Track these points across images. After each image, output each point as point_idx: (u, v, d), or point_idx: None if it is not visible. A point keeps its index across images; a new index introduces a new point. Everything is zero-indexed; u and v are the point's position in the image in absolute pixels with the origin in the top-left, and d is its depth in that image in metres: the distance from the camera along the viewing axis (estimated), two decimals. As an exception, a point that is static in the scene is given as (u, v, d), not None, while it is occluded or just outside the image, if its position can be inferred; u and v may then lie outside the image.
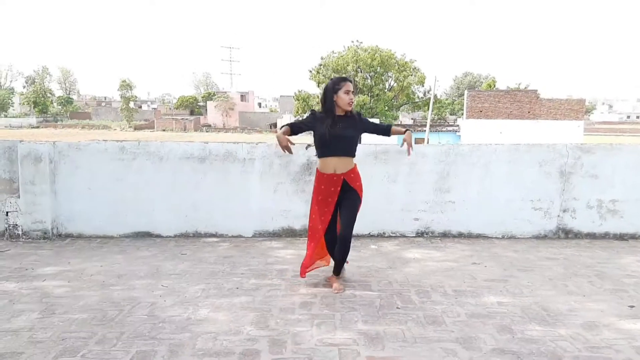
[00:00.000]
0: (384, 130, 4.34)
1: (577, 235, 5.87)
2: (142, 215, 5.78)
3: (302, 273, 4.23)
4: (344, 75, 3.98)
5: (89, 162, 5.72)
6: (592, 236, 5.87)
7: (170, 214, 5.79)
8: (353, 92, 4.07)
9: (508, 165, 5.76)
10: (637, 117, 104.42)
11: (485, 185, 5.79)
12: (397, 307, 3.80)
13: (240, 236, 5.84)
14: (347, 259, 4.38)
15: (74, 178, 5.72)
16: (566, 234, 5.86)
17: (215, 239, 5.76)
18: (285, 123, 4.27)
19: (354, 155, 4.13)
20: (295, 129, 4.17)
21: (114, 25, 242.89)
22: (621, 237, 5.86)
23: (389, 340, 3.24)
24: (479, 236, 5.87)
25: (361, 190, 4.17)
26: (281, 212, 5.80)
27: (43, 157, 5.59)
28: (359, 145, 4.30)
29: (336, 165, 4.04)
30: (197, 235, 5.83)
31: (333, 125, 4.00)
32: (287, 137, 4.12)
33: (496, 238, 5.85)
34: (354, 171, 4.13)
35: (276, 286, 4.24)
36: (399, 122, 51.72)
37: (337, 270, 4.25)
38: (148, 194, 5.75)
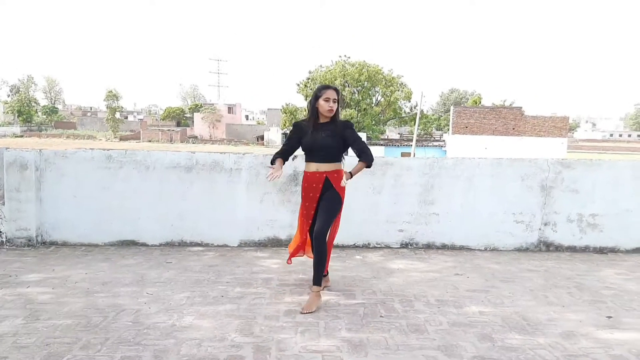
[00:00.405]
0: (358, 155, 4.08)
1: (558, 248, 5.98)
2: (128, 223, 5.78)
3: (290, 258, 4.52)
4: (328, 84, 3.98)
5: (75, 170, 5.72)
6: (572, 249, 5.98)
7: (156, 222, 5.80)
8: (335, 99, 4.06)
9: (491, 179, 5.87)
10: (620, 136, 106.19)
11: (468, 198, 5.89)
12: (381, 316, 3.85)
13: (226, 245, 5.87)
14: (328, 270, 4.43)
15: (59, 186, 5.72)
16: (547, 246, 5.97)
17: (200, 248, 5.78)
18: (275, 153, 4.25)
19: (339, 161, 4.18)
20: (286, 155, 4.25)
21: (100, 35, 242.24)
22: (601, 251, 5.98)
23: (372, 347, 3.29)
24: (462, 248, 5.95)
25: (343, 193, 4.16)
26: (267, 221, 5.84)
27: (29, 164, 5.59)
28: (345, 157, 4.34)
29: (319, 166, 4.11)
30: (183, 244, 5.84)
31: (315, 134, 4.07)
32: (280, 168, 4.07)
33: (479, 250, 5.94)
34: (338, 172, 4.14)
35: (261, 294, 4.27)
36: (386, 137, 52.04)
37: (315, 278, 4.06)
38: (134, 202, 5.76)
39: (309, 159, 4.17)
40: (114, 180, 5.74)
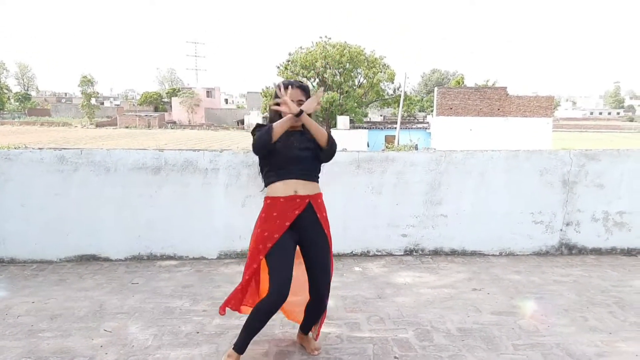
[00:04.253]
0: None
1: (582, 251, 5.28)
2: (87, 235, 4.94)
3: (222, 309, 3.19)
4: (289, 79, 2.72)
5: (21, 174, 4.84)
6: (597, 252, 5.29)
7: (120, 233, 4.96)
8: (301, 101, 2.93)
9: (506, 175, 5.14)
10: (600, 114, 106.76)
11: (480, 197, 5.15)
12: (395, 357, 3.10)
13: (203, 258, 5.06)
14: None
15: (3, 193, 4.84)
16: (570, 249, 5.27)
17: (173, 262, 4.96)
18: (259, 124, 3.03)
19: (317, 181, 3.06)
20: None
21: (74, 18, 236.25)
22: (629, 253, 5.30)
23: (391, 411, 2.54)
24: (474, 253, 5.23)
25: (329, 228, 3.06)
26: (251, 229, 5.01)
27: (-35, 168, 4.70)
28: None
29: (298, 187, 2.95)
30: (152, 258, 5.02)
31: (287, 143, 2.93)
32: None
33: (493, 255, 5.22)
34: (321, 197, 3.07)
35: (245, 329, 3.48)
36: (369, 119, 51.27)
37: (308, 328, 3.23)
38: (93, 211, 4.91)
39: (281, 174, 2.95)
40: (69, 185, 4.87)
